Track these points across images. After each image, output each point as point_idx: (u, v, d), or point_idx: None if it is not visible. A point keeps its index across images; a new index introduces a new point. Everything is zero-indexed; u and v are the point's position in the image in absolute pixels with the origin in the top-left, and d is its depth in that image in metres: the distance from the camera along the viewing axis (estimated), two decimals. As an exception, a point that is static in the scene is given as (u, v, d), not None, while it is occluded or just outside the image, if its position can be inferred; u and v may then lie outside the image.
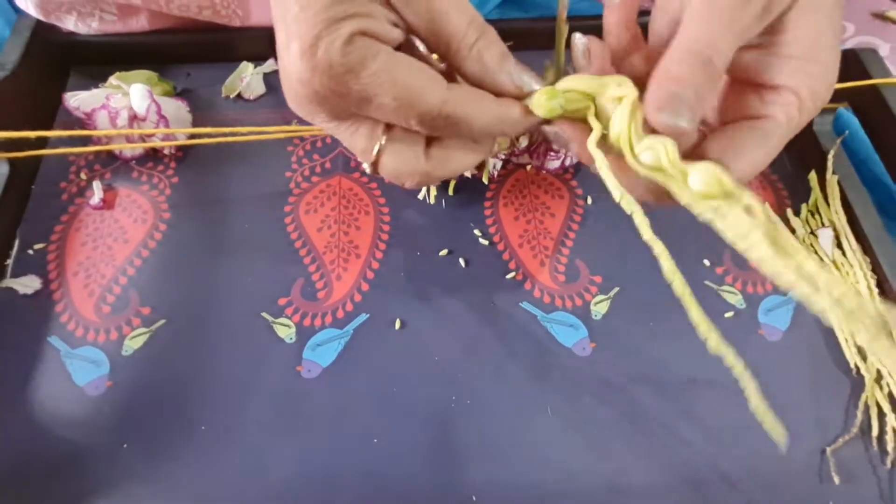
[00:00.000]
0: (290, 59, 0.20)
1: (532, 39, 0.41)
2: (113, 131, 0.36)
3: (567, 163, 0.35)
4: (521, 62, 0.23)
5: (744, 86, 0.22)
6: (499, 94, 0.22)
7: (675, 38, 0.21)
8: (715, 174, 0.19)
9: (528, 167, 0.38)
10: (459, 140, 0.24)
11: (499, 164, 0.35)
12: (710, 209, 0.19)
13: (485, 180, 0.35)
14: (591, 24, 0.42)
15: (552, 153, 0.34)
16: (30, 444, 0.29)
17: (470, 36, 0.21)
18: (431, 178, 0.24)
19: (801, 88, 0.21)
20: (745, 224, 0.19)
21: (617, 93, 0.21)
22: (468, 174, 0.34)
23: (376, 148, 0.23)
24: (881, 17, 0.52)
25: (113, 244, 0.35)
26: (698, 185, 0.19)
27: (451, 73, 0.23)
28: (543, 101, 0.22)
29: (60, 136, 0.37)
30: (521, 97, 0.23)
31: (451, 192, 0.37)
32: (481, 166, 0.35)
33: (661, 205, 0.23)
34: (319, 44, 0.20)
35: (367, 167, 0.24)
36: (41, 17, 0.38)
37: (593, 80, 0.22)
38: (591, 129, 0.22)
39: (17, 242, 0.34)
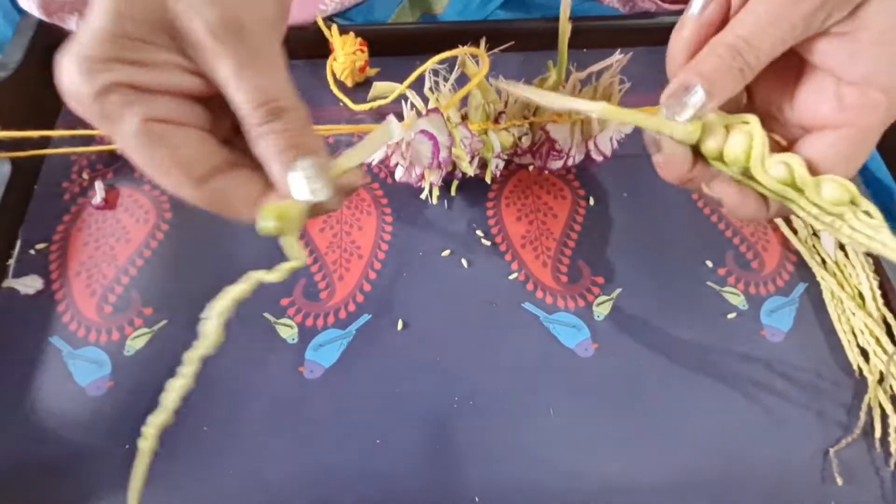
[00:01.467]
0: (56, 68, 0.19)
1: (534, 40, 0.41)
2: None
3: (570, 163, 0.35)
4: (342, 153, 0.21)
5: (825, 80, 0.20)
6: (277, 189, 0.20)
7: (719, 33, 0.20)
8: (845, 184, 0.19)
9: (531, 167, 0.38)
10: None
11: (501, 164, 0.35)
12: (836, 217, 0.20)
13: (487, 180, 0.35)
14: (595, 25, 0.43)
15: (554, 153, 0.34)
16: (31, 444, 0.29)
17: (253, 116, 0.19)
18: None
19: (889, 83, 0.19)
20: (869, 226, 0.19)
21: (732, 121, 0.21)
22: (471, 173, 0.34)
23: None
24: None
25: (115, 244, 0.35)
26: (830, 195, 0.19)
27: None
28: (264, 223, 0.20)
29: (63, 136, 0.37)
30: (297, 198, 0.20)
31: (452, 192, 0.37)
32: (484, 166, 0.35)
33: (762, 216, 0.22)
34: (75, 75, 0.18)
35: None
36: (43, 18, 0.38)
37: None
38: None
39: (19, 242, 0.34)
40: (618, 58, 0.33)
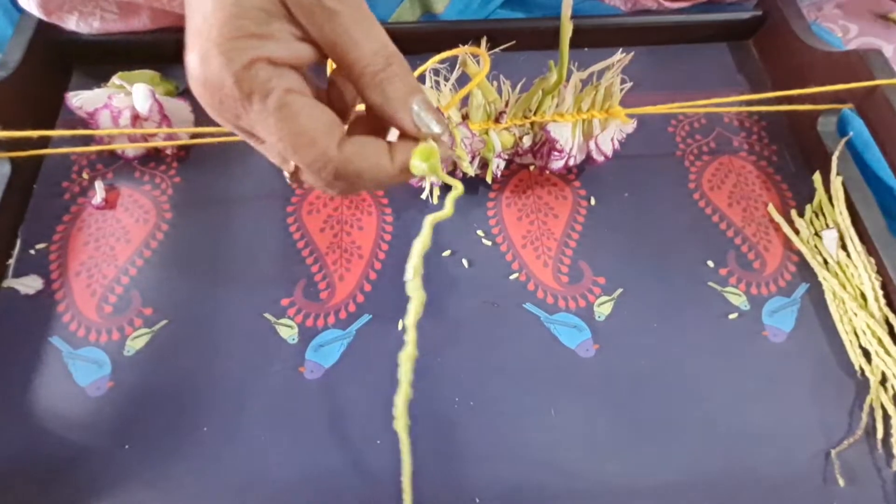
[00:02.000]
0: (190, 66, 0.20)
1: (535, 39, 0.41)
2: (115, 130, 0.35)
3: (571, 163, 0.35)
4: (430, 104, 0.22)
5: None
6: (399, 129, 0.22)
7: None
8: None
9: (532, 167, 0.38)
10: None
11: (502, 164, 0.35)
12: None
13: (488, 180, 0.35)
14: (596, 24, 0.43)
15: (556, 153, 0.34)
16: (31, 445, 0.29)
17: (375, 64, 0.21)
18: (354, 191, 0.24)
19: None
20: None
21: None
22: (472, 174, 0.34)
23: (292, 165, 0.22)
24: (884, 18, 0.52)
25: (115, 244, 0.35)
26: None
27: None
28: (417, 163, 0.22)
29: (63, 136, 0.37)
30: (420, 137, 0.22)
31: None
32: (485, 166, 0.35)
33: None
34: (214, 61, 0.19)
35: (286, 176, 0.23)
36: (43, 17, 0.38)
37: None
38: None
39: (18, 242, 0.34)
40: (619, 57, 0.33)
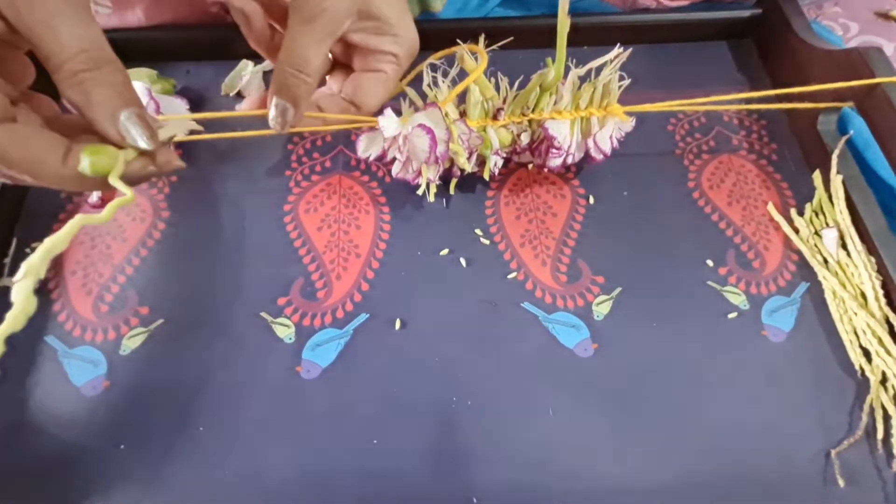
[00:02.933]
0: None
1: (534, 37, 0.41)
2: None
3: (569, 161, 0.35)
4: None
5: (359, 50, 0.30)
6: (102, 138, 0.21)
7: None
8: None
9: (530, 166, 0.38)
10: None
11: (500, 162, 0.35)
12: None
13: (486, 177, 0.35)
14: (594, 22, 0.42)
15: (554, 150, 0.34)
16: (26, 444, 0.29)
17: (78, 62, 0.19)
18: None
19: (399, 51, 0.30)
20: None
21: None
22: (469, 170, 0.34)
23: None
24: (884, 16, 0.52)
25: (111, 243, 0.34)
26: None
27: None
28: (88, 158, 0.20)
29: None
30: (124, 145, 0.21)
31: (451, 190, 0.37)
32: (483, 163, 0.35)
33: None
34: None
35: None
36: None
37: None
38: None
39: (14, 241, 0.34)
40: (617, 52, 0.32)
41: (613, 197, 0.37)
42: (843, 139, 0.36)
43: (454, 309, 0.33)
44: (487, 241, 0.35)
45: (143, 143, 0.21)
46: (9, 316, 0.18)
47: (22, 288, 0.18)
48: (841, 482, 0.29)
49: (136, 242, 0.35)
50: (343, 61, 0.32)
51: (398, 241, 0.35)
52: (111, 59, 0.20)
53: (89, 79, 0.20)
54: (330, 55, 0.32)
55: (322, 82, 0.32)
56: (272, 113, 0.26)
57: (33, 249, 0.34)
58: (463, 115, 0.34)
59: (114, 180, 0.21)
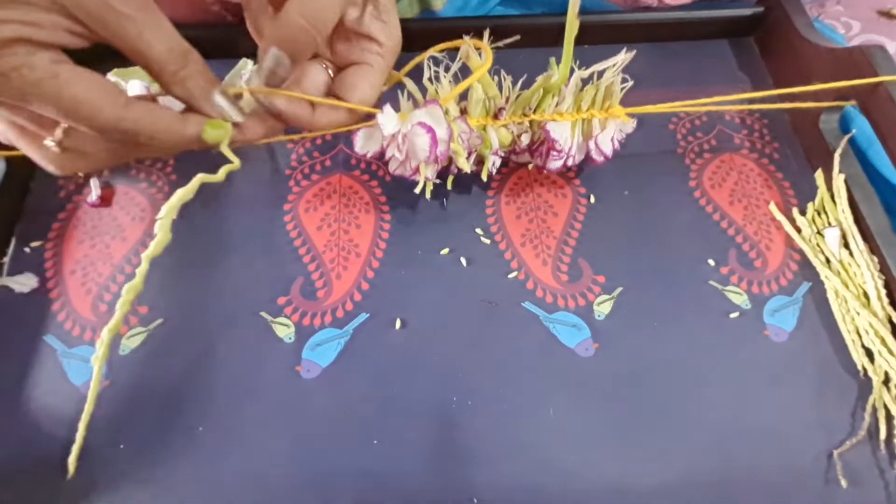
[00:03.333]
0: None
1: (535, 37, 0.41)
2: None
3: (570, 163, 0.34)
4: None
5: (355, 37, 0.29)
6: (200, 112, 0.25)
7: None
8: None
9: (530, 165, 0.38)
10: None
11: (498, 162, 0.35)
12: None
13: (483, 177, 0.34)
14: (595, 21, 0.42)
15: (554, 152, 0.33)
16: (25, 444, 0.29)
17: (173, 62, 0.23)
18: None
19: (385, 41, 0.29)
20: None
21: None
22: (468, 170, 0.34)
23: (54, 139, 0.24)
24: (887, 14, 0.52)
25: (111, 242, 0.34)
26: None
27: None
28: (210, 130, 0.25)
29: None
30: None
31: (449, 186, 0.36)
32: (481, 162, 0.35)
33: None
34: None
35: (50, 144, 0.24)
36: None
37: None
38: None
39: (13, 240, 0.34)
40: (623, 56, 0.32)
41: (614, 196, 0.37)
42: (846, 138, 0.36)
43: (454, 308, 0.33)
44: (488, 241, 0.35)
45: (237, 117, 0.25)
46: (152, 244, 0.24)
47: (162, 224, 0.23)
48: (843, 483, 0.28)
49: (135, 242, 0.35)
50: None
51: (398, 241, 0.35)
52: (189, 47, 0.23)
53: (185, 76, 0.23)
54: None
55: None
56: (268, 62, 0.25)
57: (32, 249, 0.34)
58: (463, 112, 0.33)
59: (224, 149, 0.26)
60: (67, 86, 0.21)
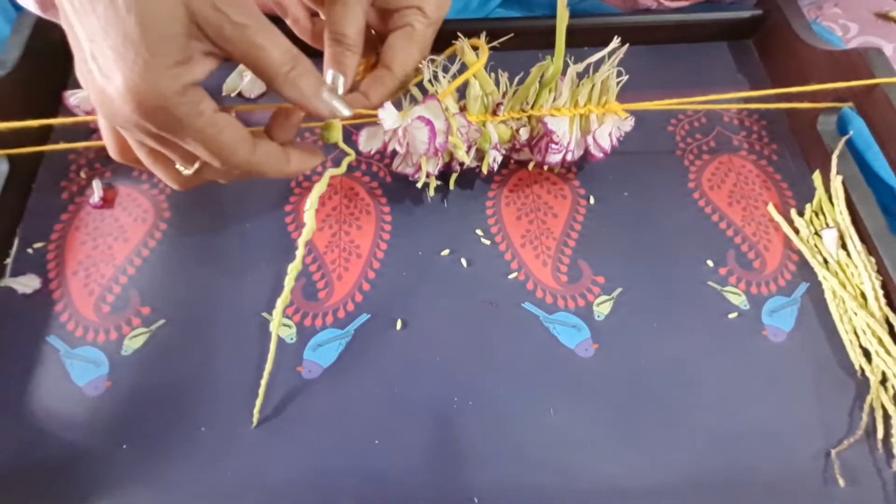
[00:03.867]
0: (111, 87, 0.21)
1: (535, 38, 0.41)
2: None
3: (569, 158, 0.35)
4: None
5: (388, 12, 0.31)
6: (314, 115, 0.26)
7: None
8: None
9: (530, 166, 0.38)
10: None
11: (499, 158, 0.35)
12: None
13: (484, 170, 0.35)
14: (595, 23, 0.43)
15: (553, 145, 0.34)
16: (28, 445, 0.29)
17: (285, 64, 0.24)
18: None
19: (423, 4, 0.30)
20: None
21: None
22: (468, 162, 0.34)
23: (191, 170, 0.26)
24: (884, 17, 0.52)
25: (113, 243, 0.35)
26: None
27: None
28: (326, 133, 0.28)
29: (61, 128, 0.37)
30: (333, 117, 0.27)
31: (451, 185, 0.37)
32: (482, 158, 0.35)
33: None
34: (152, 87, 0.21)
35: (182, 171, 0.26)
36: (40, 13, 0.37)
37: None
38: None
39: (16, 241, 0.34)
40: (615, 45, 0.32)
41: (614, 197, 0.37)
42: (843, 139, 0.36)
43: (455, 309, 0.33)
44: (488, 242, 0.35)
45: (345, 112, 0.27)
46: (305, 231, 0.27)
47: (310, 214, 0.27)
48: (841, 482, 0.29)
49: (137, 242, 0.35)
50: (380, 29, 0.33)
51: (399, 242, 0.35)
52: (297, 51, 0.24)
53: (296, 76, 0.24)
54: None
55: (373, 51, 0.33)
56: (329, 79, 0.28)
57: (35, 250, 0.34)
58: (463, 109, 0.34)
59: (340, 144, 0.29)
60: (220, 133, 0.23)
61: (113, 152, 0.28)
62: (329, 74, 0.28)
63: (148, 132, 0.23)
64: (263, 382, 0.29)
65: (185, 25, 0.21)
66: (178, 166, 0.26)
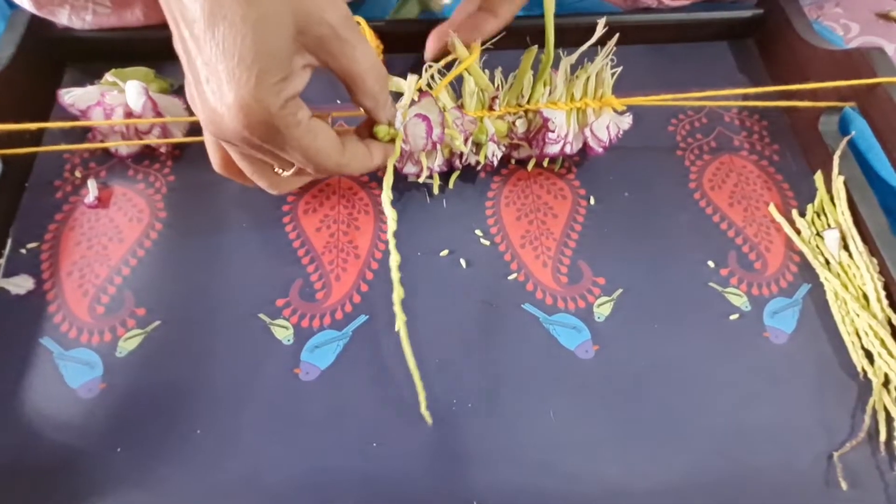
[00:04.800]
0: (223, 105, 0.22)
1: (534, 38, 0.41)
2: (109, 121, 0.35)
3: (567, 150, 0.34)
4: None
5: None
6: (378, 121, 0.29)
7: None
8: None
9: (530, 166, 0.37)
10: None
11: (498, 152, 0.35)
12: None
13: (481, 160, 0.34)
14: (594, 22, 0.42)
15: (551, 134, 0.33)
16: (21, 448, 0.28)
17: (371, 78, 0.26)
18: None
19: None
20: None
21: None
22: (465, 151, 0.34)
23: (290, 172, 0.28)
24: (885, 17, 0.52)
25: (108, 244, 0.34)
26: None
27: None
28: (384, 130, 0.30)
29: (55, 131, 0.36)
30: (388, 123, 0.29)
31: (451, 185, 0.36)
32: (480, 148, 0.35)
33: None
34: (260, 104, 0.22)
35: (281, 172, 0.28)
36: (34, 11, 0.37)
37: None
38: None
39: (9, 241, 0.34)
40: (602, 22, 0.32)
41: (614, 198, 0.37)
42: (845, 140, 0.36)
43: (454, 310, 0.33)
44: (488, 242, 0.35)
45: (400, 122, 0.30)
46: (390, 222, 0.28)
47: (385, 202, 0.28)
48: (843, 485, 0.28)
49: (132, 243, 0.34)
50: None
51: (398, 242, 0.35)
52: (379, 63, 0.26)
53: (379, 89, 0.27)
54: None
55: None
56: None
57: (28, 250, 0.34)
58: (460, 108, 0.34)
59: (398, 142, 0.31)
60: (315, 140, 0.25)
61: (217, 166, 0.30)
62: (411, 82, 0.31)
63: (252, 145, 0.24)
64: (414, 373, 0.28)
65: (293, 42, 0.22)
66: (276, 169, 0.28)
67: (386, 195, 0.29)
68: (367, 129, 0.30)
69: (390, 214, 0.28)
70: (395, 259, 0.27)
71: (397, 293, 0.27)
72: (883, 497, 0.29)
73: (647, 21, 0.43)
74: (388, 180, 0.29)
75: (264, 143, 0.24)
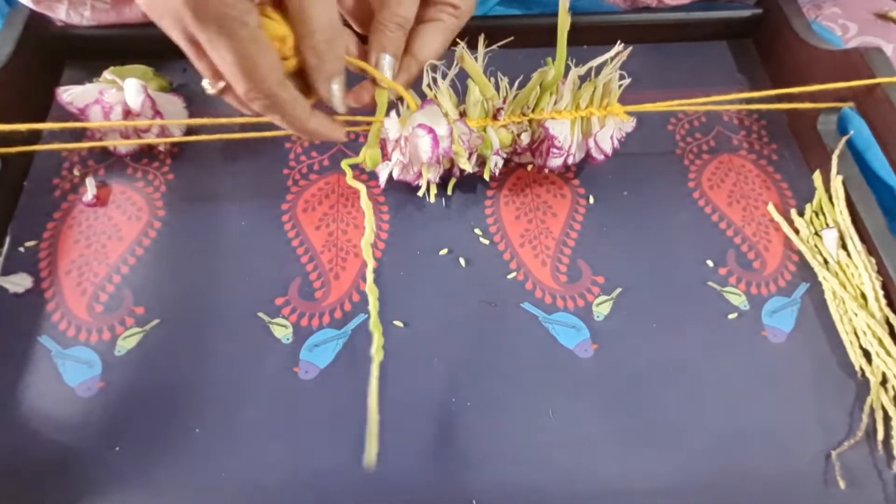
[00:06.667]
0: None
1: (534, 37, 0.41)
2: (108, 123, 0.35)
3: (570, 161, 0.34)
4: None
5: (427, 4, 0.30)
6: (313, 82, 0.26)
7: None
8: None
9: (530, 167, 0.37)
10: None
11: (500, 162, 0.34)
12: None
13: (486, 177, 0.34)
14: (595, 21, 0.42)
15: (555, 150, 0.33)
16: (20, 446, 0.28)
17: (324, 34, 0.24)
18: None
19: (459, 2, 0.30)
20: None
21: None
22: (470, 170, 0.34)
23: (215, 89, 0.26)
24: (883, 17, 0.52)
25: (107, 242, 0.34)
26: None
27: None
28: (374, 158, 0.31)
29: (54, 132, 0.36)
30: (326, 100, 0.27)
31: (449, 191, 0.36)
32: (483, 163, 0.35)
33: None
34: None
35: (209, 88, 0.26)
36: (32, 6, 0.37)
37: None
38: None
39: (7, 240, 0.34)
40: (618, 50, 0.32)
41: (614, 197, 0.37)
42: (844, 139, 0.36)
43: (454, 309, 0.33)
44: (487, 241, 0.35)
45: (339, 108, 0.27)
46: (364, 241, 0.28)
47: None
48: (841, 483, 0.29)
49: (131, 242, 0.34)
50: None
51: (397, 241, 0.35)
52: (343, 28, 0.25)
53: (326, 49, 0.25)
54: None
55: None
56: (385, 63, 0.29)
57: (27, 249, 0.33)
58: (463, 115, 0.33)
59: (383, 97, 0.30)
60: (258, 52, 0.23)
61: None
62: (385, 59, 0.29)
63: (184, 30, 0.22)
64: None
65: None
66: (203, 83, 0.26)
67: (365, 201, 0.29)
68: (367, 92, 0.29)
69: (369, 226, 0.28)
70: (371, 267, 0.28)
71: (373, 316, 0.27)
72: (881, 495, 0.29)
73: (647, 20, 0.43)
74: (364, 193, 0.29)
75: (197, 28, 0.22)
